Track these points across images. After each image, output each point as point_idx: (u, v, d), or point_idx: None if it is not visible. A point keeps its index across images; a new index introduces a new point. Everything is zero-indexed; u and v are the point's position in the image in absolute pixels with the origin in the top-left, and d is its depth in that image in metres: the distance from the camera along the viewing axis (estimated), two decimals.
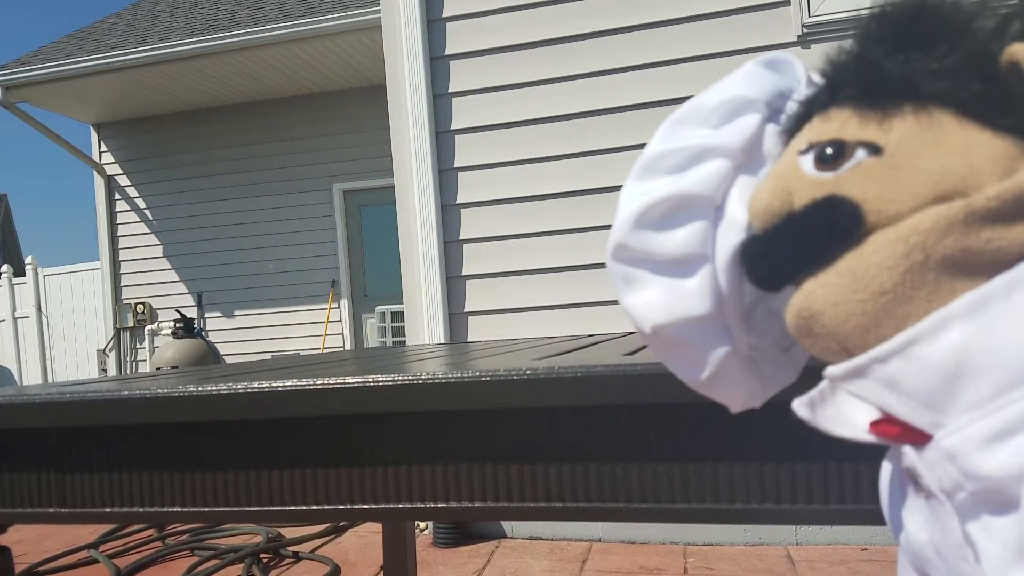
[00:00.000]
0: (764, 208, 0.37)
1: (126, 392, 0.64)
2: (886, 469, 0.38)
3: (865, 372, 0.33)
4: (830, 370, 0.35)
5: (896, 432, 0.32)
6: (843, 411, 0.35)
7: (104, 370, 7.16)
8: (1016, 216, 0.31)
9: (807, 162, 0.36)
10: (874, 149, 0.34)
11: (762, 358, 0.43)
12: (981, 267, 0.31)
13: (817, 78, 0.40)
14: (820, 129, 0.37)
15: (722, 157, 0.40)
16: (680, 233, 0.40)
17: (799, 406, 0.37)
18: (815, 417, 0.36)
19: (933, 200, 0.32)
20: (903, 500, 0.35)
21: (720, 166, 0.40)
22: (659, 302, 0.40)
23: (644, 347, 0.93)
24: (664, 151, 0.42)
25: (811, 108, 0.38)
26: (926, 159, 0.33)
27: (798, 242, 0.35)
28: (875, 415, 0.33)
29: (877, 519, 0.58)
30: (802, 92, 0.40)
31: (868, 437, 0.34)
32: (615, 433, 0.56)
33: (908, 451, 0.32)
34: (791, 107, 0.40)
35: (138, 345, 7.02)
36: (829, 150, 0.35)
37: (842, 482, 0.57)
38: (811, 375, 0.42)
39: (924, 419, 0.31)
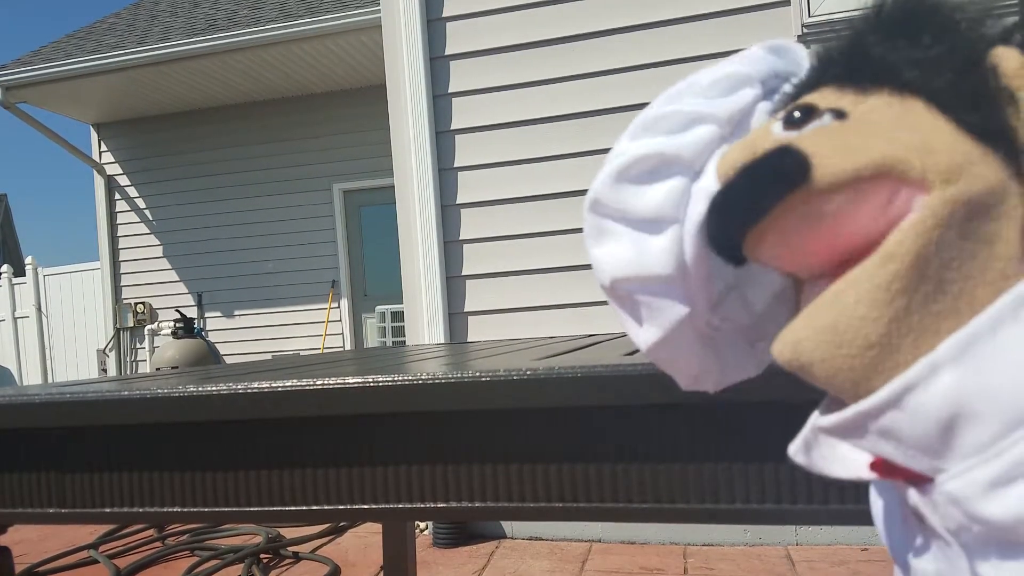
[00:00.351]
0: (729, 164, 0.37)
1: (126, 392, 0.64)
2: (877, 504, 0.38)
3: (859, 425, 0.32)
4: (821, 423, 0.34)
5: (896, 473, 0.32)
6: (839, 452, 0.34)
7: (104, 370, 7.16)
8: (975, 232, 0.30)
9: (777, 125, 0.37)
10: (840, 114, 0.35)
11: (724, 342, 0.43)
12: (956, 296, 0.30)
13: (813, 62, 0.40)
14: (801, 101, 0.37)
15: (712, 124, 0.41)
16: (658, 191, 0.40)
17: (795, 453, 0.37)
18: (811, 462, 0.36)
19: (878, 167, 0.31)
20: (905, 532, 0.35)
21: (706, 132, 0.41)
22: (623, 256, 0.41)
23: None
24: (662, 114, 0.42)
25: (801, 90, 0.39)
26: (884, 128, 0.33)
27: (750, 189, 0.35)
28: (871, 456, 0.33)
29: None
30: (800, 77, 0.41)
31: (869, 476, 0.33)
32: (615, 433, 0.56)
33: (912, 492, 0.32)
34: (785, 88, 0.41)
35: (138, 345, 7.03)
36: (797, 113, 0.36)
37: (842, 483, 0.57)
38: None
39: (924, 464, 0.31)
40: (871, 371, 0.31)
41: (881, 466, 0.32)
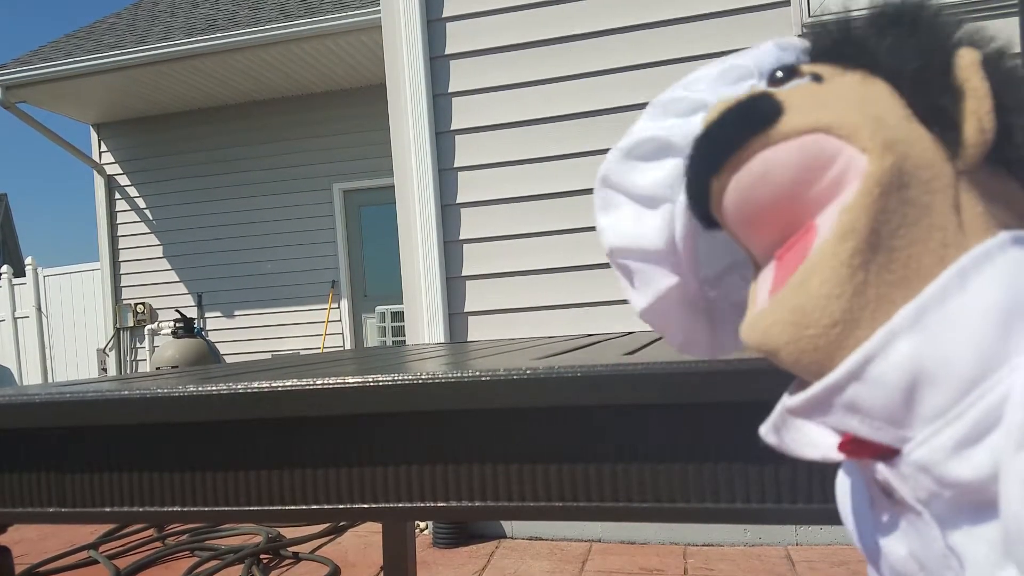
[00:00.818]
0: (711, 113, 0.40)
1: (126, 392, 0.64)
2: (843, 483, 0.38)
3: (824, 401, 0.33)
4: (788, 404, 0.35)
5: (866, 451, 0.32)
6: (808, 434, 0.35)
7: (104, 370, 7.16)
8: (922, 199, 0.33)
9: (761, 84, 0.40)
10: (817, 78, 0.38)
11: (719, 315, 0.46)
12: (906, 270, 0.32)
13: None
14: (784, 64, 0.41)
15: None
16: (657, 169, 0.43)
17: (766, 433, 0.37)
18: (782, 442, 0.36)
19: (836, 125, 0.33)
20: (872, 515, 0.35)
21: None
22: (624, 228, 0.45)
23: (644, 347, 0.93)
24: (675, 97, 0.46)
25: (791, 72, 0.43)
26: (851, 95, 0.36)
27: (719, 132, 0.37)
28: (839, 437, 0.33)
29: None
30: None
31: (838, 457, 0.33)
32: (615, 433, 0.56)
33: (880, 467, 0.32)
34: (776, 72, 0.45)
35: (138, 345, 7.03)
36: (780, 72, 0.39)
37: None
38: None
39: (889, 435, 0.31)
40: (835, 348, 0.32)
41: (849, 445, 0.33)
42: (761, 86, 0.44)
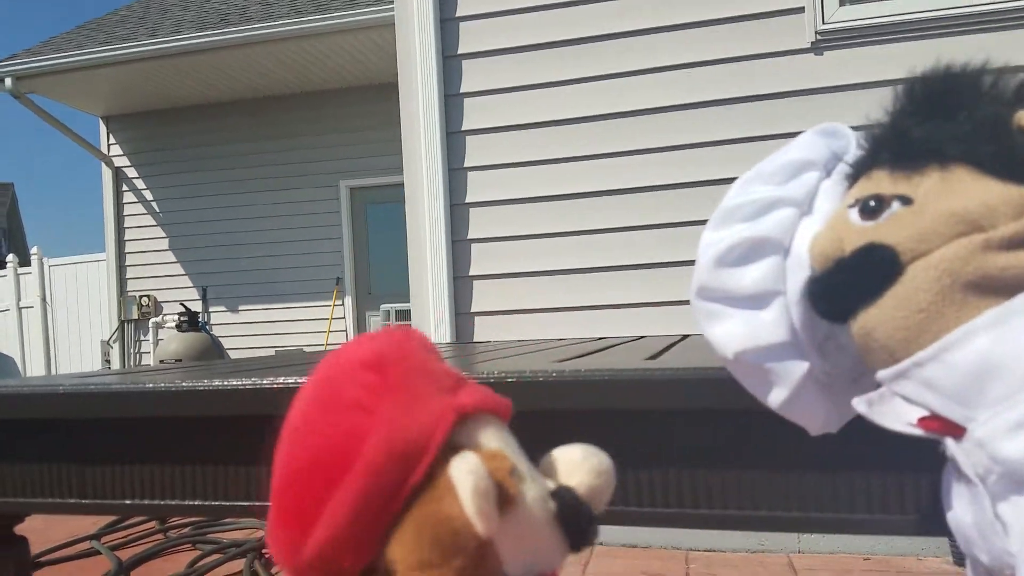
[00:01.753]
0: (820, 252, 0.44)
1: (129, 385, 0.64)
2: (946, 494, 0.43)
3: (907, 374, 0.39)
4: (881, 373, 0.42)
5: (938, 427, 0.38)
6: (896, 409, 0.41)
7: (108, 362, 7.18)
8: None
9: (854, 214, 0.43)
10: (906, 200, 0.41)
11: (836, 387, 0.49)
12: (1001, 289, 0.37)
13: (862, 143, 0.47)
14: (863, 187, 0.44)
15: (790, 206, 0.47)
16: (756, 270, 0.46)
17: (858, 403, 0.43)
18: (872, 413, 0.42)
19: (955, 236, 0.38)
20: (954, 493, 0.41)
21: (789, 214, 0.47)
22: (740, 332, 0.47)
23: (659, 354, 0.93)
24: (739, 203, 0.49)
25: (858, 170, 0.46)
26: (947, 203, 0.39)
27: (850, 282, 0.42)
28: (922, 413, 0.39)
29: (881, 528, 0.58)
30: (852, 155, 0.48)
31: (915, 431, 0.39)
32: (618, 437, 0.56)
33: (950, 443, 0.38)
34: (843, 169, 0.48)
35: (142, 337, 7.04)
36: (872, 203, 0.43)
37: (845, 491, 0.57)
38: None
39: (958, 414, 0.37)
40: (921, 330, 0.38)
41: (927, 421, 0.39)
42: (827, 181, 0.48)
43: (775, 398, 0.47)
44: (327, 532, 0.28)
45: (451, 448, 0.29)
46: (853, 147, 0.49)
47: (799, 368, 0.46)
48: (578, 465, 0.33)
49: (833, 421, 0.49)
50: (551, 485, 0.32)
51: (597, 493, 0.33)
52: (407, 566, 0.27)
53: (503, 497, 0.28)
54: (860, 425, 0.53)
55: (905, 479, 0.54)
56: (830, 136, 0.50)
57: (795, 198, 0.47)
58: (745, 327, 0.46)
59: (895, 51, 2.37)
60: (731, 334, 0.47)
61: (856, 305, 0.41)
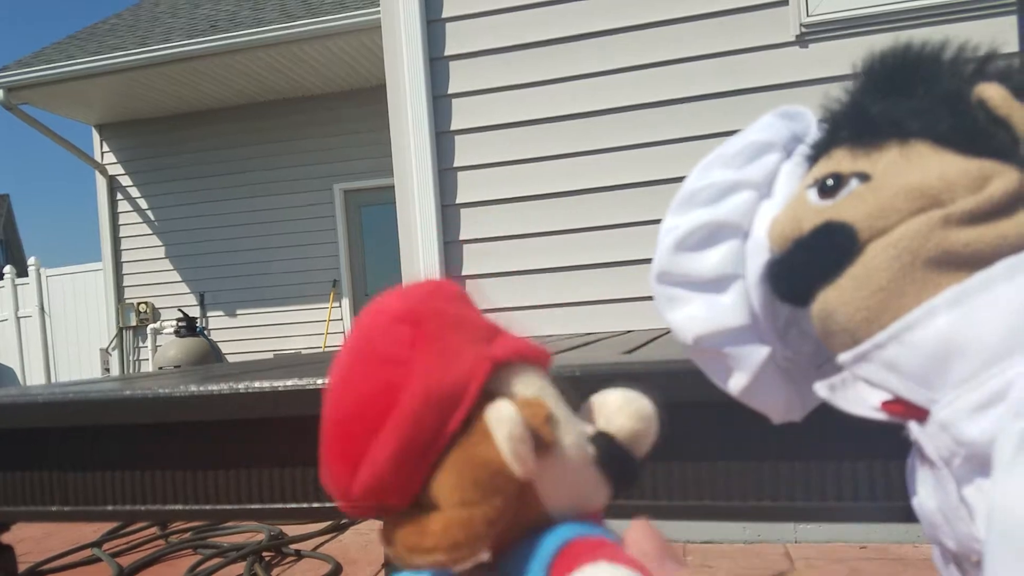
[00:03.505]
0: (779, 234, 0.43)
1: (129, 392, 0.64)
2: (911, 475, 0.43)
3: (868, 357, 0.38)
4: (842, 356, 0.41)
5: (901, 410, 0.38)
6: (859, 394, 0.40)
7: (107, 369, 7.18)
8: (987, 221, 0.36)
9: (812, 194, 0.42)
10: (864, 177, 0.40)
11: (798, 374, 0.48)
12: (961, 265, 0.36)
13: (822, 124, 0.46)
14: (823, 167, 0.43)
15: (749, 189, 0.47)
16: (715, 254, 0.46)
17: (820, 388, 0.43)
18: (834, 398, 0.42)
19: (915, 212, 0.37)
20: (918, 475, 0.40)
21: (748, 197, 0.46)
22: (699, 316, 0.46)
23: (642, 346, 0.93)
24: (698, 187, 0.48)
25: (818, 151, 0.45)
26: (905, 178, 0.38)
27: (808, 261, 0.41)
28: (885, 397, 0.38)
29: (875, 516, 0.58)
30: (812, 136, 0.47)
31: (878, 415, 0.39)
32: None
33: (913, 427, 0.37)
34: (803, 150, 0.47)
35: (141, 344, 7.03)
36: (829, 181, 0.42)
37: (840, 480, 0.57)
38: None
39: (920, 396, 0.36)
40: (881, 310, 0.38)
41: (890, 404, 0.38)
42: (788, 163, 0.47)
43: (735, 384, 0.47)
44: (371, 475, 0.30)
45: (488, 396, 0.31)
46: (813, 129, 0.48)
47: (759, 353, 0.45)
48: (619, 410, 0.34)
49: (796, 408, 0.49)
50: (590, 430, 0.33)
51: (638, 437, 0.34)
52: (450, 503, 0.29)
53: (539, 442, 0.30)
54: (845, 412, 0.54)
55: (901, 466, 0.55)
56: (790, 118, 0.49)
57: (754, 180, 0.47)
58: (705, 311, 0.46)
59: (880, 42, 2.37)
60: (691, 318, 0.46)
61: (815, 286, 0.41)
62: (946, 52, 0.41)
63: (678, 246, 0.47)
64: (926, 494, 0.38)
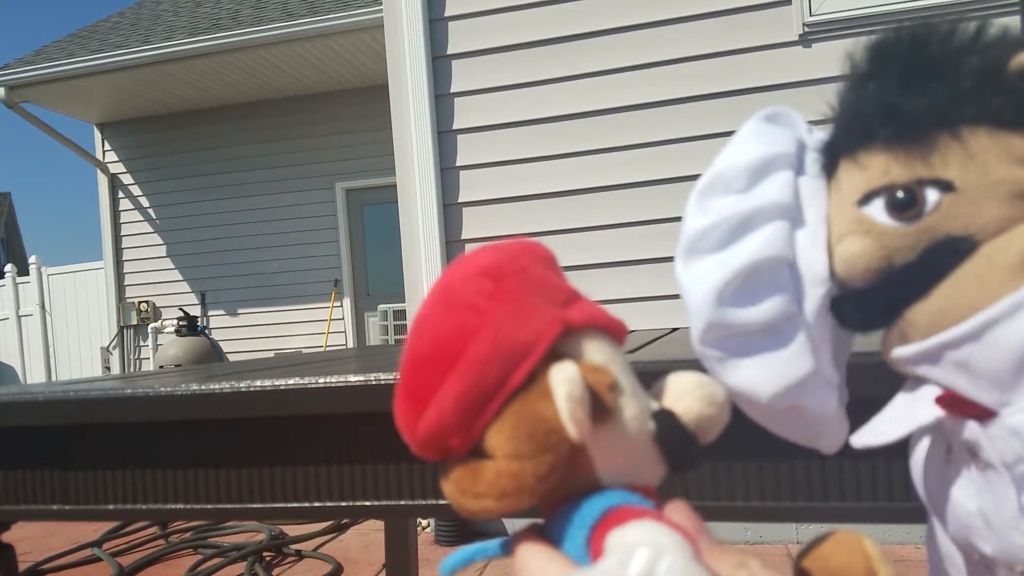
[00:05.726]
0: (863, 268, 0.37)
1: (129, 390, 0.64)
2: (924, 442, 0.40)
3: (935, 357, 0.34)
4: (898, 352, 0.36)
5: (961, 407, 0.34)
6: (898, 413, 0.37)
7: (108, 368, 7.18)
8: None
9: (877, 212, 0.36)
10: (945, 186, 0.35)
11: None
12: None
13: (821, 127, 0.41)
14: (863, 177, 0.37)
15: (778, 218, 0.39)
16: (765, 302, 0.39)
17: (859, 436, 0.39)
18: (873, 436, 0.38)
19: (1012, 201, 0.34)
20: (945, 471, 0.37)
21: (780, 227, 0.39)
22: (763, 375, 0.40)
23: (643, 346, 0.93)
24: (702, 229, 0.41)
25: (834, 154, 0.39)
26: (991, 176, 0.34)
27: (908, 283, 0.36)
28: (938, 391, 0.35)
29: (876, 517, 0.58)
30: (814, 140, 0.41)
31: (931, 416, 0.35)
32: None
33: (971, 425, 0.34)
34: (813, 157, 0.41)
35: (142, 343, 7.04)
36: (900, 194, 0.36)
37: (841, 480, 0.57)
38: None
39: (991, 398, 0.33)
40: (964, 310, 0.33)
41: (947, 400, 0.34)
42: (804, 178, 0.40)
43: (813, 436, 0.42)
44: (435, 416, 0.31)
45: (557, 357, 0.31)
46: (807, 132, 0.42)
47: (831, 399, 0.40)
48: (690, 392, 0.33)
49: (846, 433, 0.44)
50: (655, 406, 0.33)
51: (706, 422, 0.33)
52: (503, 453, 0.30)
53: (598, 408, 0.30)
54: (852, 413, 0.54)
55: (902, 466, 0.54)
56: (777, 122, 0.43)
57: (781, 204, 0.39)
58: (766, 368, 0.39)
59: None
60: (754, 378, 0.40)
61: (905, 307, 0.36)
62: (959, 28, 0.36)
63: (719, 300, 0.39)
64: (966, 496, 0.35)
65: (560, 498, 0.31)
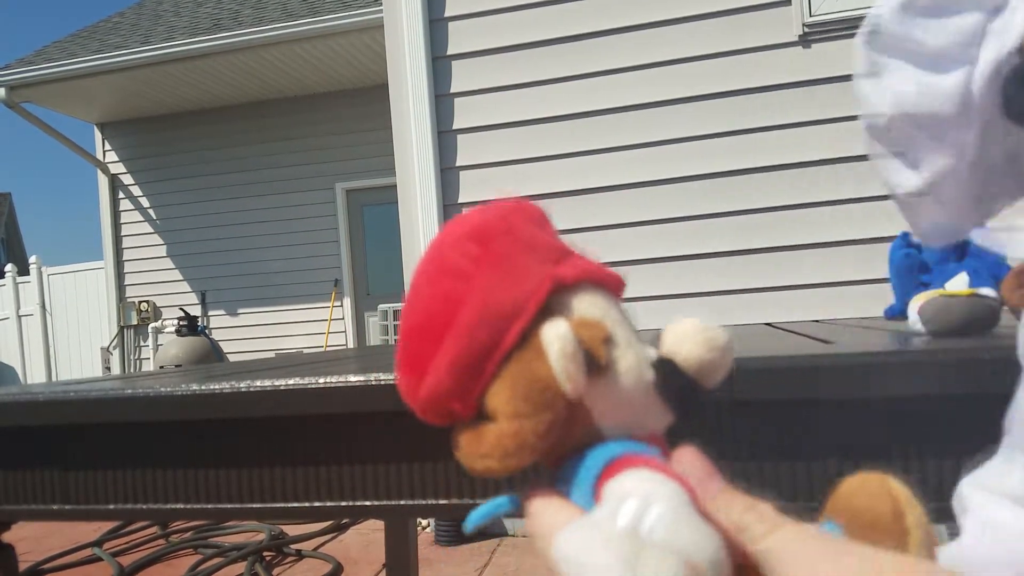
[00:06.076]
0: None
1: (129, 390, 0.64)
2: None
3: None
4: None
5: None
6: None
7: (108, 368, 7.18)
8: None
9: None
10: None
11: (951, 203, 0.40)
12: None
13: None
14: None
15: None
16: (948, 25, 0.36)
17: (996, 225, 0.37)
18: (1009, 239, 0.36)
19: None
20: None
21: None
22: (906, 91, 0.38)
23: None
24: None
25: None
26: None
27: None
28: None
29: None
30: None
31: None
32: None
33: None
34: None
35: (142, 343, 7.04)
36: None
37: (841, 480, 0.57)
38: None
39: None
40: None
41: None
42: None
43: (908, 181, 0.39)
44: (433, 382, 0.31)
45: (549, 314, 0.31)
46: None
47: (949, 158, 0.37)
48: (690, 337, 0.33)
49: (937, 234, 0.42)
50: (653, 354, 0.33)
51: (708, 366, 0.33)
52: (503, 415, 0.30)
53: (593, 362, 0.30)
54: (859, 413, 0.54)
55: (903, 466, 0.54)
56: None
57: None
58: (914, 88, 0.37)
59: None
60: (896, 92, 0.38)
61: None
62: None
63: (907, 5, 0.37)
64: None
65: (566, 452, 0.31)
